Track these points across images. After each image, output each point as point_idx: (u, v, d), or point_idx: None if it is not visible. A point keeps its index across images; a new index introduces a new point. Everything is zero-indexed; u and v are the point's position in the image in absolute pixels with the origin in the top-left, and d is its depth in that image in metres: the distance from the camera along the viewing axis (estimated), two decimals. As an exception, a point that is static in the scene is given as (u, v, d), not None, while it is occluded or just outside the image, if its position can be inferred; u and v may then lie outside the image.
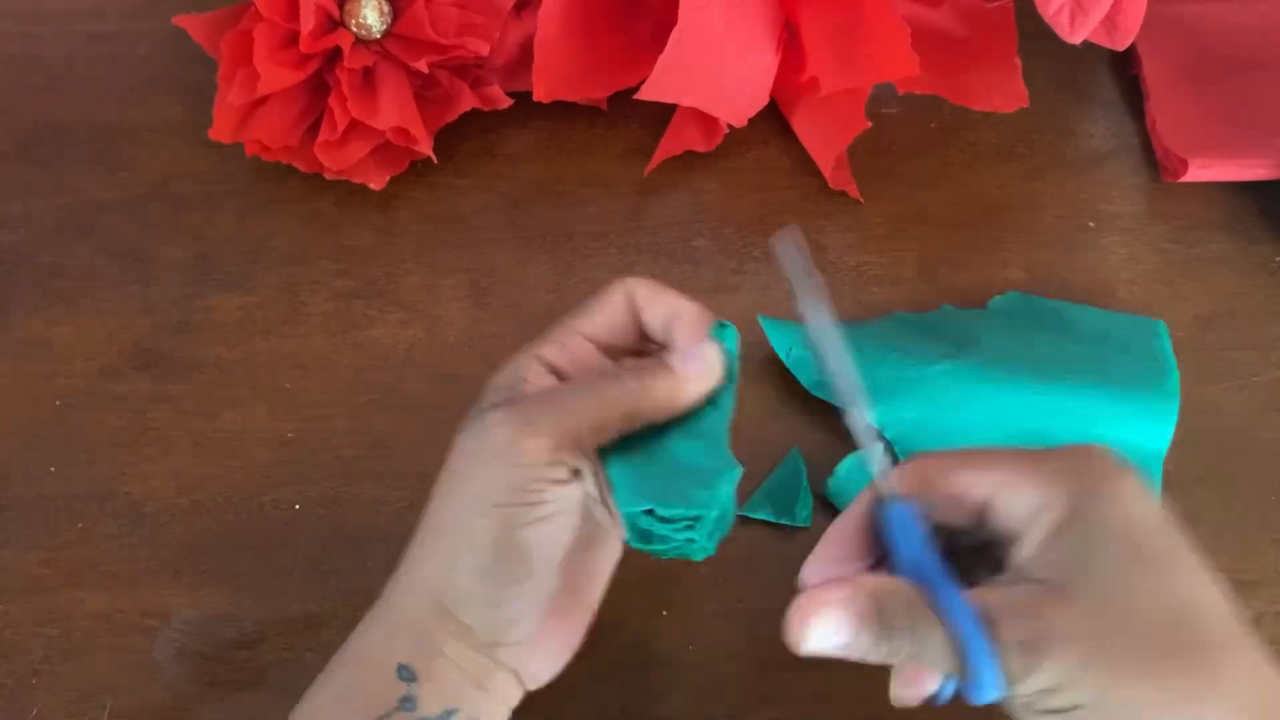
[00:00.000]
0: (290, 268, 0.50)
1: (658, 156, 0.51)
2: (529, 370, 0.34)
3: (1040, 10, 0.46)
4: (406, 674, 0.32)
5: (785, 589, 0.41)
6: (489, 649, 0.32)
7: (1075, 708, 0.27)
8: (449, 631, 0.32)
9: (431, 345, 0.47)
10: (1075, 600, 0.28)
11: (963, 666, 0.28)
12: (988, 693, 0.28)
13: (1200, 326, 0.47)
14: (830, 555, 0.32)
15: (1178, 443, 0.44)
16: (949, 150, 0.53)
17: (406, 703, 0.31)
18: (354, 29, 0.49)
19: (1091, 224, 0.51)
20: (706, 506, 0.31)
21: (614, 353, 0.35)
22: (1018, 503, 0.30)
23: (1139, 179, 0.52)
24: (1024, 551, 0.29)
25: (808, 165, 0.52)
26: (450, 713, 0.32)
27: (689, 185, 0.52)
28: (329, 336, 0.48)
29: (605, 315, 0.35)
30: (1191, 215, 0.51)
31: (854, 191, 0.51)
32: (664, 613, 0.41)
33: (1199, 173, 0.50)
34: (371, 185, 0.50)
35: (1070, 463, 0.30)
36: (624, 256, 0.50)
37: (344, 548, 0.42)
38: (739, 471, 0.33)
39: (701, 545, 0.32)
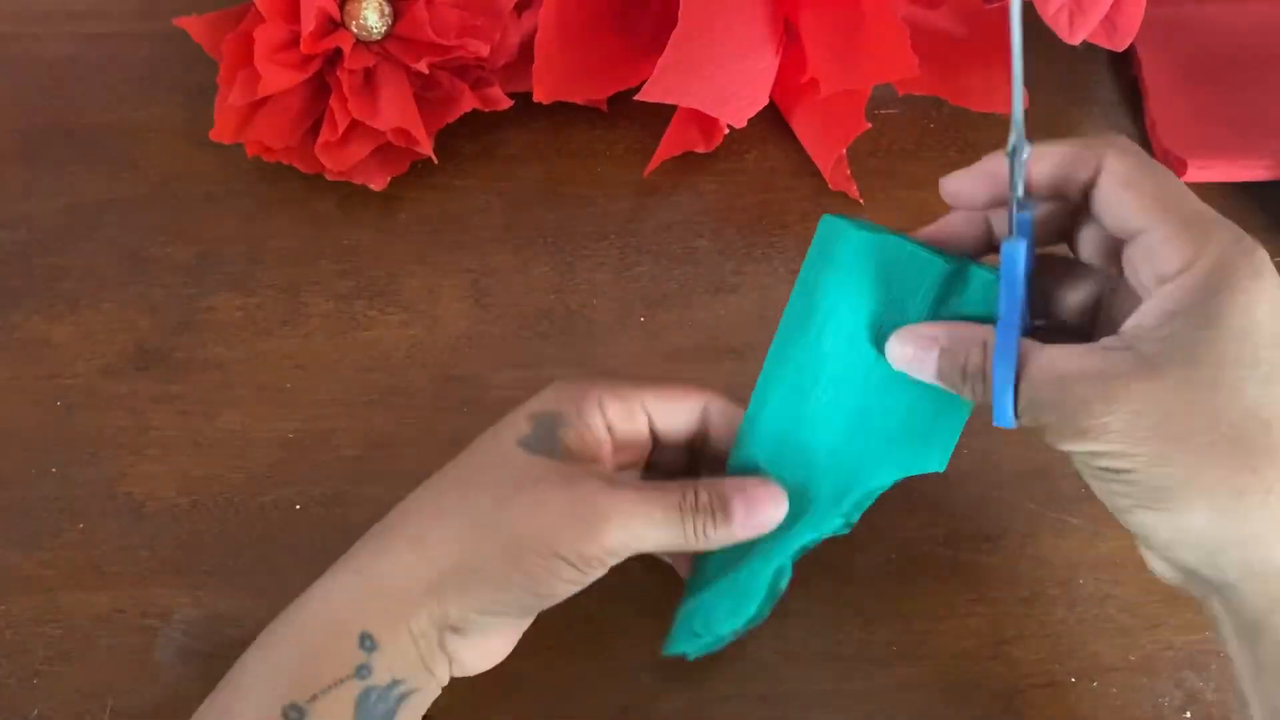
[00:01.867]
0: (291, 268, 0.50)
1: (658, 157, 0.51)
2: (590, 414, 0.35)
3: (1040, 11, 0.46)
4: (369, 643, 0.33)
5: (785, 589, 0.41)
6: (444, 633, 0.33)
7: (1128, 471, 0.29)
8: (430, 613, 0.33)
9: (432, 345, 0.47)
10: (1164, 377, 0.28)
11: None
12: (999, 419, 0.30)
13: (1200, 327, 0.47)
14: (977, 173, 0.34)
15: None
16: (949, 150, 0.53)
17: (362, 670, 0.32)
18: (355, 30, 0.49)
19: (1091, 224, 0.51)
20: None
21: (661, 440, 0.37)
22: (1160, 255, 0.29)
23: (1139, 179, 0.52)
24: (1139, 317, 0.29)
25: (808, 166, 0.52)
26: (397, 683, 0.33)
27: (689, 186, 0.52)
28: (330, 337, 0.48)
29: (675, 414, 0.37)
30: (1191, 215, 0.51)
31: (854, 192, 0.51)
32: (664, 613, 0.41)
33: (1199, 173, 0.50)
34: (372, 186, 0.50)
35: (1225, 245, 0.29)
36: (624, 257, 0.50)
37: (344, 548, 0.42)
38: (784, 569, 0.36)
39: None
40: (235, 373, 0.47)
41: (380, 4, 0.49)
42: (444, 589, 0.33)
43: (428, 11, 0.49)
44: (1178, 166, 0.50)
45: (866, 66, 0.47)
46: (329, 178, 0.50)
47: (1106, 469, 0.29)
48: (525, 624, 0.37)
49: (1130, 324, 0.30)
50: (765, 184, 0.52)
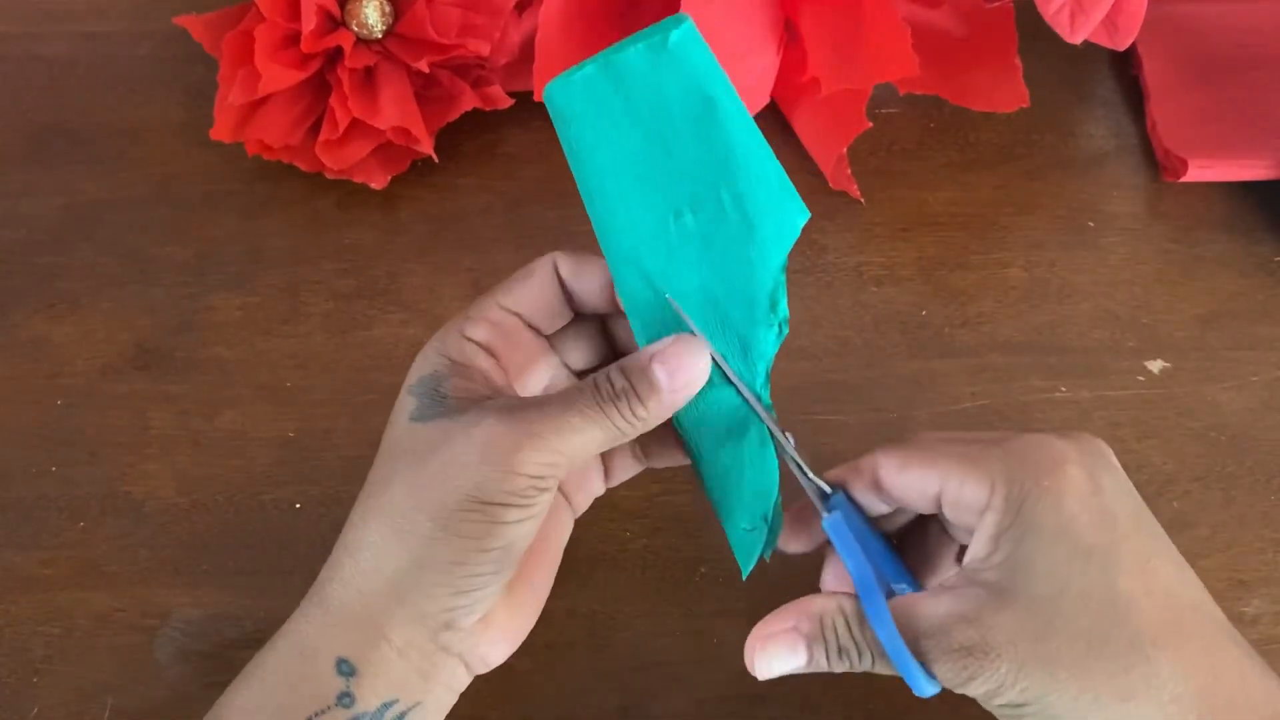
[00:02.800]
0: (291, 267, 0.50)
1: (658, 156, 0.51)
2: (462, 352, 0.33)
3: (1040, 10, 0.46)
4: (346, 668, 0.31)
5: (785, 588, 0.41)
6: (437, 634, 0.32)
7: (1022, 705, 0.29)
8: (402, 619, 0.31)
9: (432, 345, 0.47)
10: (1014, 603, 0.29)
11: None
12: (922, 691, 0.30)
13: (1200, 326, 0.47)
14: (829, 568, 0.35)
15: (1178, 442, 0.44)
16: (949, 150, 0.53)
17: (344, 698, 0.31)
18: (355, 29, 0.49)
19: (1091, 224, 0.51)
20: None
21: (541, 327, 0.35)
22: (964, 499, 0.31)
23: (1139, 179, 0.52)
24: (972, 552, 0.31)
25: (808, 165, 0.52)
26: (389, 704, 0.31)
27: (689, 185, 0.52)
28: (330, 336, 0.48)
29: (531, 290, 0.34)
30: (1191, 215, 0.51)
31: (854, 191, 0.51)
32: (664, 613, 0.41)
33: (1199, 173, 0.50)
34: (373, 185, 0.50)
35: (1012, 457, 0.30)
36: (624, 256, 0.50)
37: (345, 547, 0.42)
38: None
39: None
40: (235, 372, 0.47)
41: (380, 2, 0.49)
42: (402, 591, 0.31)
43: (428, 10, 0.49)
44: (1178, 166, 0.50)
45: (867, 66, 0.47)
46: (329, 176, 0.50)
47: (1006, 704, 0.29)
48: (532, 591, 0.34)
49: (966, 560, 0.31)
50: (765, 183, 0.52)
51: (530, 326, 0.35)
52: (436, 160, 0.51)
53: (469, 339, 0.33)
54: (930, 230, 0.50)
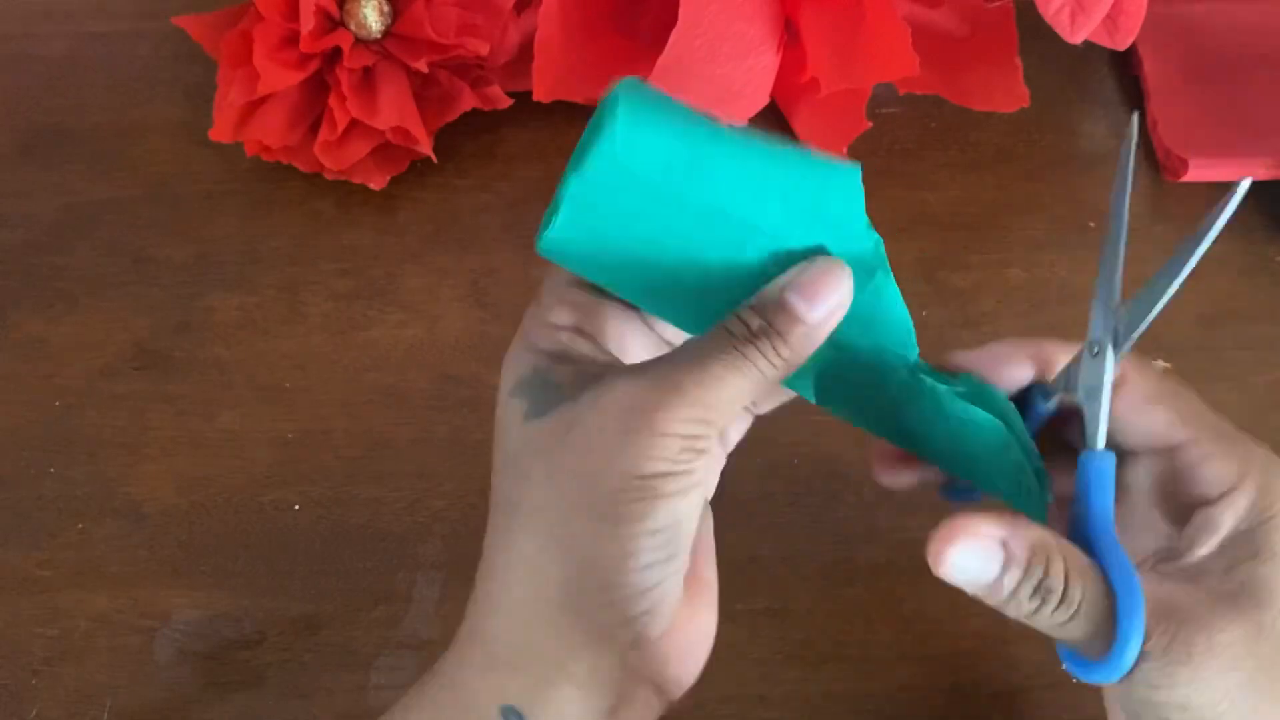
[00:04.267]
0: (290, 268, 0.50)
1: (658, 156, 0.51)
2: (555, 341, 0.29)
3: (1041, 10, 0.46)
4: (514, 717, 0.27)
5: (785, 590, 0.41)
6: (626, 655, 0.27)
7: (1186, 708, 0.27)
8: (581, 644, 0.27)
9: (431, 345, 0.47)
10: (1248, 626, 0.27)
11: (1103, 641, 0.26)
12: (1111, 674, 0.26)
13: (1200, 326, 0.47)
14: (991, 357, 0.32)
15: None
16: (949, 150, 0.53)
17: None
18: (354, 29, 0.49)
19: (1091, 224, 0.51)
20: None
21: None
22: (1201, 477, 0.29)
23: (1140, 179, 0.52)
24: (1201, 547, 0.28)
25: (808, 165, 0.52)
26: None
27: (689, 185, 0.52)
28: (329, 337, 0.48)
29: None
30: (1192, 215, 0.51)
31: (854, 191, 0.51)
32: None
33: (1199, 172, 0.50)
34: (371, 185, 0.50)
35: (1267, 468, 0.29)
36: (624, 256, 0.50)
37: (344, 548, 0.42)
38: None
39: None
40: (234, 373, 0.47)
41: (379, 3, 0.49)
42: (576, 607, 0.26)
43: (427, 10, 0.49)
44: (1178, 166, 0.50)
45: (867, 66, 0.47)
46: (328, 177, 0.50)
47: (1171, 704, 0.27)
48: (705, 588, 0.30)
49: (1189, 554, 0.28)
50: (765, 183, 0.52)
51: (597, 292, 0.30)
52: (435, 160, 0.51)
53: (558, 326, 0.29)
54: (930, 230, 0.50)
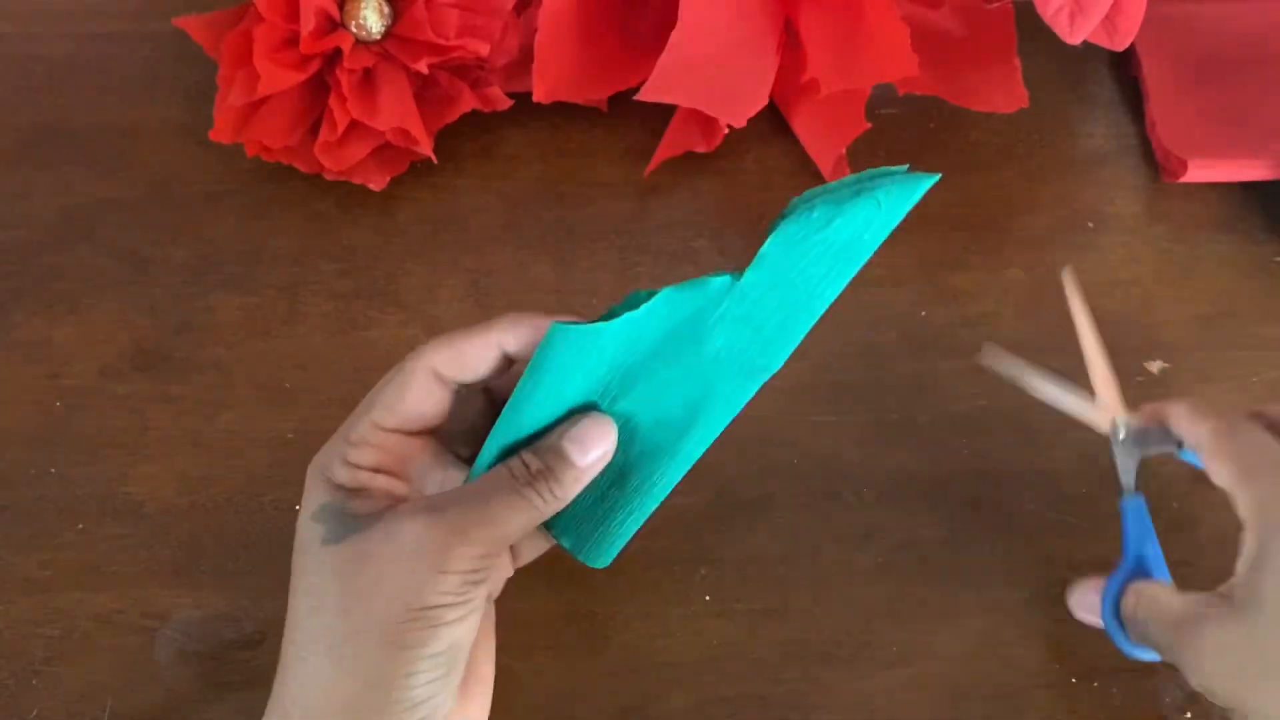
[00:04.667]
0: (290, 268, 0.50)
1: (658, 157, 0.51)
2: (354, 479, 0.32)
3: (1040, 11, 0.46)
4: None
5: (785, 590, 0.41)
6: None
7: (1230, 710, 0.33)
8: None
9: (431, 345, 0.47)
10: (1241, 625, 0.32)
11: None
12: (1130, 652, 0.37)
13: (1200, 326, 0.47)
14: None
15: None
16: (949, 151, 0.53)
17: None
18: (354, 30, 0.49)
19: (1091, 224, 0.51)
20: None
21: (426, 430, 0.33)
22: (1238, 505, 0.34)
23: (1139, 179, 0.52)
24: (1238, 567, 0.34)
25: (808, 166, 0.52)
26: None
27: (689, 186, 0.52)
28: (329, 337, 0.48)
29: (410, 403, 0.32)
30: (1191, 215, 0.51)
31: (854, 192, 0.51)
32: (664, 613, 0.41)
33: (1199, 173, 0.50)
34: (372, 186, 0.50)
35: (1270, 487, 0.34)
36: (624, 257, 0.50)
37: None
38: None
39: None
40: (235, 373, 0.47)
41: (379, 3, 0.49)
42: (352, 709, 0.30)
43: (427, 11, 0.49)
44: (1178, 166, 0.50)
45: (866, 66, 0.47)
46: (328, 177, 0.50)
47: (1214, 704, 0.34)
48: (480, 683, 0.34)
49: (1236, 572, 0.34)
50: (765, 184, 0.52)
51: (415, 434, 0.33)
52: (435, 161, 0.51)
53: (359, 466, 0.32)
54: (930, 230, 0.50)
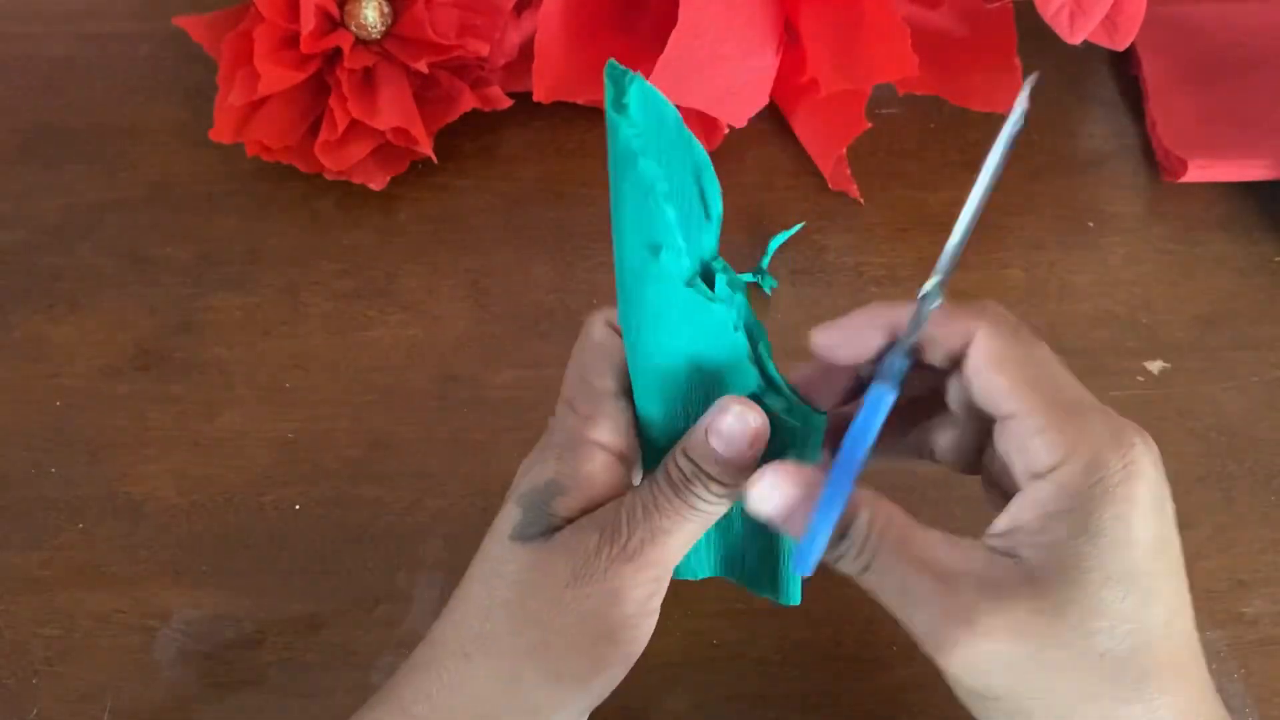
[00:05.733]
0: (291, 268, 0.50)
1: (658, 157, 0.51)
2: (594, 461, 0.31)
3: (1040, 11, 0.46)
4: None
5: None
6: None
7: (997, 699, 0.28)
8: None
9: (432, 345, 0.47)
10: (1050, 600, 0.26)
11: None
12: (800, 567, 0.29)
13: (1200, 326, 0.47)
14: (850, 326, 0.30)
15: (1178, 442, 0.44)
16: (949, 150, 0.53)
17: None
18: (354, 29, 0.49)
19: (1091, 224, 0.51)
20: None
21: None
22: (1029, 449, 0.28)
23: (1139, 179, 0.52)
24: (1023, 518, 0.28)
25: (808, 165, 0.52)
26: None
27: (689, 185, 0.52)
28: (329, 337, 0.48)
29: (612, 357, 0.32)
30: (1191, 215, 0.51)
31: (854, 192, 0.51)
32: (664, 613, 0.41)
33: (1199, 173, 0.50)
34: (372, 186, 0.50)
35: (1101, 443, 0.27)
36: (624, 257, 0.50)
37: (344, 548, 0.42)
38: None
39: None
40: (235, 373, 0.47)
41: (380, 3, 0.49)
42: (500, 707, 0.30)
43: (427, 11, 0.49)
44: (1178, 166, 0.50)
45: (866, 66, 0.47)
46: (328, 177, 0.50)
47: (972, 689, 0.28)
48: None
49: (1007, 523, 0.28)
50: (766, 184, 0.52)
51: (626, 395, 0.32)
52: (435, 161, 0.51)
53: (599, 444, 0.31)
54: (930, 230, 0.50)
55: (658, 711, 0.39)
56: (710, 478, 0.30)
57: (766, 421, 0.30)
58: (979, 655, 0.26)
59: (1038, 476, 0.28)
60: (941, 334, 0.29)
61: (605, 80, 0.28)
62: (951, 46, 0.52)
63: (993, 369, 0.28)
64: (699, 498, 0.30)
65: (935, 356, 0.30)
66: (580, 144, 0.53)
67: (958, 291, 0.48)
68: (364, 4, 0.48)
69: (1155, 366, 0.46)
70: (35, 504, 0.43)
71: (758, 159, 0.53)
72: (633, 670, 0.40)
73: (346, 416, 0.45)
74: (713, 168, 0.30)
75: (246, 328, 0.48)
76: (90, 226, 0.51)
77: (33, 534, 0.43)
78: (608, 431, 0.31)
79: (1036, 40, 0.50)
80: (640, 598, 0.30)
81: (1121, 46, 0.47)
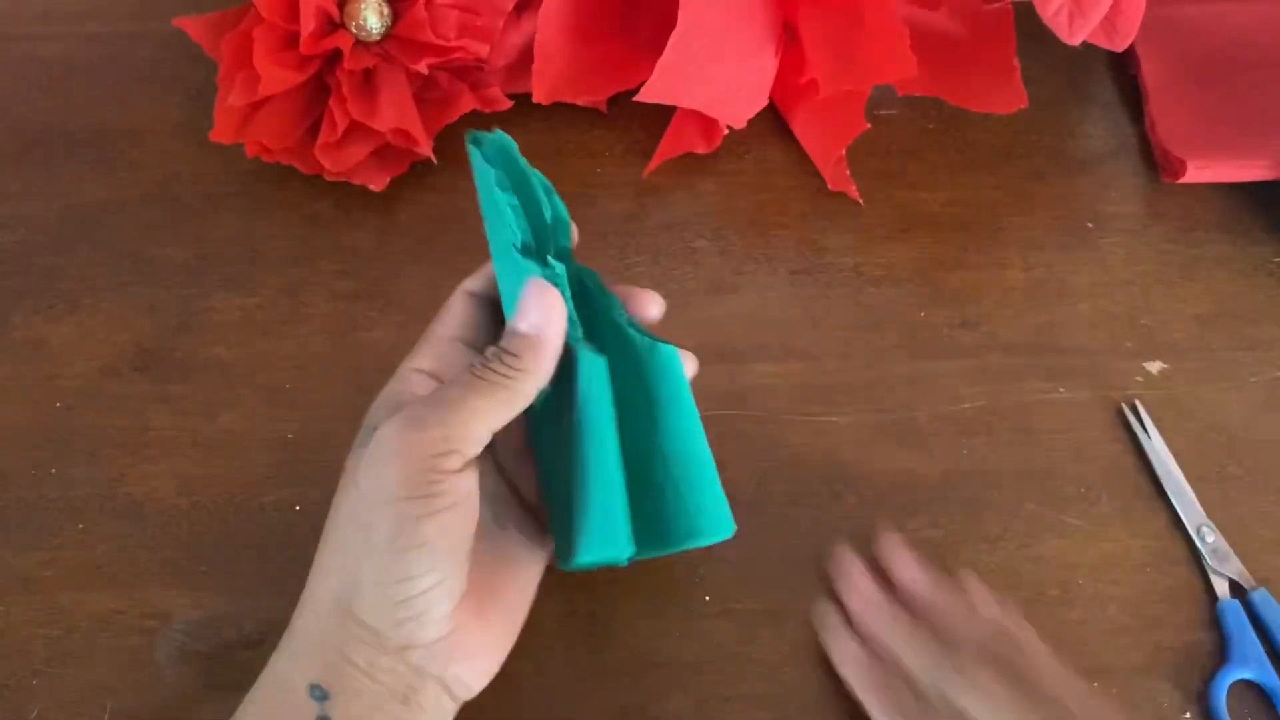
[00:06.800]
0: (291, 269, 0.50)
1: (657, 158, 0.51)
2: (409, 382, 0.36)
3: (1039, 11, 0.46)
4: (318, 693, 0.32)
5: (785, 590, 0.41)
6: (402, 654, 0.32)
7: None
8: (358, 639, 0.32)
9: (431, 346, 0.47)
10: None
11: None
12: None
13: (1200, 326, 0.47)
14: None
15: (1177, 443, 0.44)
16: (948, 151, 0.53)
17: None
18: (354, 31, 0.49)
19: (1091, 224, 0.51)
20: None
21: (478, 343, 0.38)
22: None
23: (1138, 179, 0.52)
24: None
25: (807, 166, 0.52)
26: None
27: (689, 186, 0.52)
28: (329, 337, 0.48)
29: (456, 313, 0.38)
30: (1191, 215, 0.51)
31: (853, 192, 0.51)
32: (664, 613, 0.41)
33: (1198, 173, 0.50)
34: (372, 186, 0.50)
35: None
36: (624, 257, 0.50)
37: (344, 548, 0.42)
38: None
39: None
40: (235, 373, 0.47)
41: (379, 4, 0.49)
42: (351, 610, 0.32)
43: (427, 12, 0.49)
44: (1177, 166, 0.50)
45: (866, 67, 0.47)
46: (328, 178, 0.50)
47: None
48: (503, 610, 0.35)
49: None
50: (765, 184, 0.52)
51: (470, 345, 0.38)
52: (435, 162, 0.51)
53: (415, 369, 0.36)
54: (929, 231, 0.50)
55: (658, 711, 0.39)
56: (511, 355, 0.34)
57: (565, 306, 0.35)
58: None
59: None
60: None
61: (467, 142, 0.38)
62: (951, 47, 0.52)
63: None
64: (501, 375, 0.33)
65: None
66: (580, 145, 0.53)
67: (958, 291, 0.48)
68: (364, 5, 0.49)
69: (1154, 367, 0.46)
70: (35, 504, 0.43)
71: (757, 160, 0.53)
72: (633, 671, 0.40)
73: (346, 418, 0.45)
74: (553, 186, 0.39)
75: (246, 328, 0.48)
76: (90, 226, 0.51)
77: (33, 534, 0.43)
78: (427, 359, 0.36)
79: (1036, 41, 0.50)
80: (433, 456, 0.31)
81: (1120, 47, 0.47)
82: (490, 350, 0.34)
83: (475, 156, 0.38)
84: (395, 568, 0.31)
